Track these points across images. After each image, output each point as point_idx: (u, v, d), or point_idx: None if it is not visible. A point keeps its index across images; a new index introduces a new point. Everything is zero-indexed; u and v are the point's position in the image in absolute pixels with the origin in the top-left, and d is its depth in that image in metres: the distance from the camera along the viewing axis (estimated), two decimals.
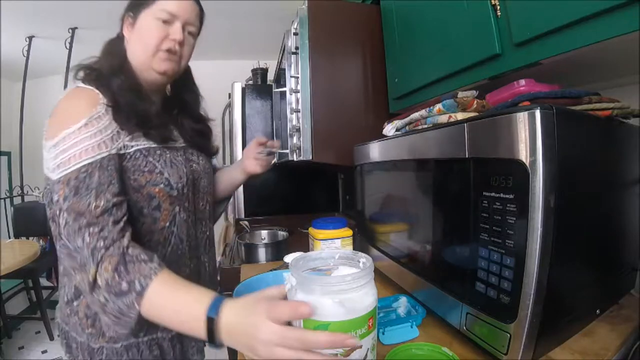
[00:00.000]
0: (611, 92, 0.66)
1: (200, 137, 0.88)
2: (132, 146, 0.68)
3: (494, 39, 0.68)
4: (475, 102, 0.67)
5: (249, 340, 0.45)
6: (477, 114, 0.66)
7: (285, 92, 1.29)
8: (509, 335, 0.49)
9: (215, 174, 0.98)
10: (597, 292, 0.63)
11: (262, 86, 2.06)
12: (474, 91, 0.69)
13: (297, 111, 1.15)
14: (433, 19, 0.90)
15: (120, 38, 0.75)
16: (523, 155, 0.46)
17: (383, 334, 0.64)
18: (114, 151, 0.64)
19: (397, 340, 0.63)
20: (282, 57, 1.48)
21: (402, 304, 0.76)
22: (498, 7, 0.66)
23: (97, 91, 0.66)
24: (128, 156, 0.67)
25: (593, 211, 0.58)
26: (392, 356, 0.57)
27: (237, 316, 0.48)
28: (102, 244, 0.56)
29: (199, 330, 0.49)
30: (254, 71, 2.20)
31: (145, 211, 0.69)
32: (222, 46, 2.97)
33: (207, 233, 0.86)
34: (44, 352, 2.42)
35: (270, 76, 2.14)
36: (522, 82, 0.63)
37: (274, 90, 1.86)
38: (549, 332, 0.51)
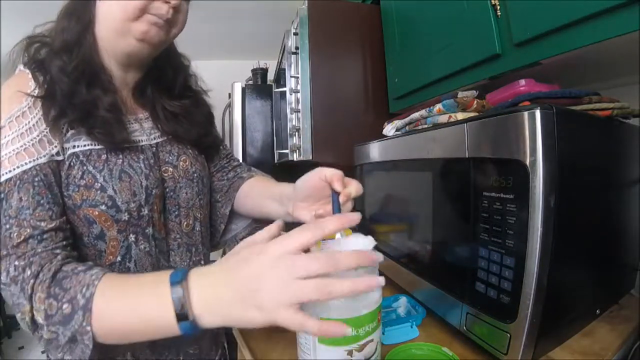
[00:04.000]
0: (611, 92, 0.66)
1: (179, 120, 0.65)
2: (68, 148, 0.52)
3: (494, 39, 0.68)
4: (475, 102, 0.67)
5: (248, 293, 0.35)
6: (477, 114, 0.67)
7: (285, 92, 1.29)
8: (509, 335, 0.49)
9: (240, 181, 0.76)
10: (597, 292, 0.63)
11: (262, 86, 2.05)
12: (474, 91, 0.69)
13: (297, 111, 1.15)
14: (433, 19, 0.90)
15: None
16: (523, 155, 0.46)
17: (383, 334, 0.64)
18: (43, 159, 0.49)
19: (397, 340, 0.63)
20: (282, 57, 1.48)
21: (402, 304, 0.76)
22: (498, 7, 0.66)
23: (30, 76, 0.51)
24: (63, 163, 0.51)
25: (593, 211, 0.58)
26: (392, 356, 0.57)
27: (216, 277, 0.38)
28: (29, 272, 0.44)
29: (165, 312, 0.38)
30: (254, 71, 2.19)
31: (86, 240, 0.53)
32: (222, 46, 2.96)
33: (203, 262, 0.67)
34: (43, 352, 2.41)
35: (270, 76, 2.13)
36: (522, 82, 0.63)
37: (274, 90, 1.86)
38: (549, 332, 0.51)
